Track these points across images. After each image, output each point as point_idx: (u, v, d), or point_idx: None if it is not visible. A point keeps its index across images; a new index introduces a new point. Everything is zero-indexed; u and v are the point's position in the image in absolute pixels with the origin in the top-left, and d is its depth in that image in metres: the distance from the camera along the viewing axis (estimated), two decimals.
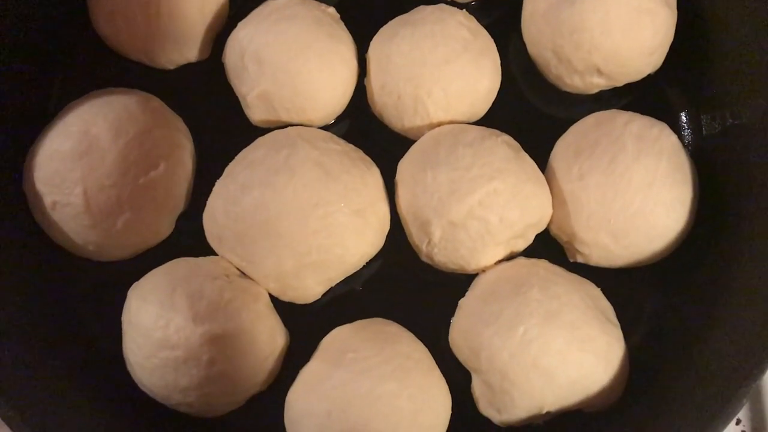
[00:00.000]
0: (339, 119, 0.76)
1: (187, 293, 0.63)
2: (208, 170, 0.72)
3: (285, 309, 0.69)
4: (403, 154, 0.72)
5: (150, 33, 0.74)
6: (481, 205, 0.65)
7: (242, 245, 0.66)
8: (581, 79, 0.73)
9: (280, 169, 0.65)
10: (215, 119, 0.77)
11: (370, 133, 0.76)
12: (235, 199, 0.66)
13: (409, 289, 0.73)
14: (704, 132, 0.76)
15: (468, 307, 0.67)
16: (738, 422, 0.74)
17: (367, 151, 0.73)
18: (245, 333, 0.63)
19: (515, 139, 0.71)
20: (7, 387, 0.59)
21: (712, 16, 0.73)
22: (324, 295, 0.70)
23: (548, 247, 0.72)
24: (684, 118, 0.77)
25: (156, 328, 0.62)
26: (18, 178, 0.70)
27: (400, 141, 0.74)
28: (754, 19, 0.68)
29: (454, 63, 0.70)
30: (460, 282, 0.70)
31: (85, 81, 0.76)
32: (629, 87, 0.75)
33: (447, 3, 0.78)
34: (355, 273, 0.71)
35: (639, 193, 0.66)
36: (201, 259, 0.68)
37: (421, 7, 0.75)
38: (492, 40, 0.75)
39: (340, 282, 0.70)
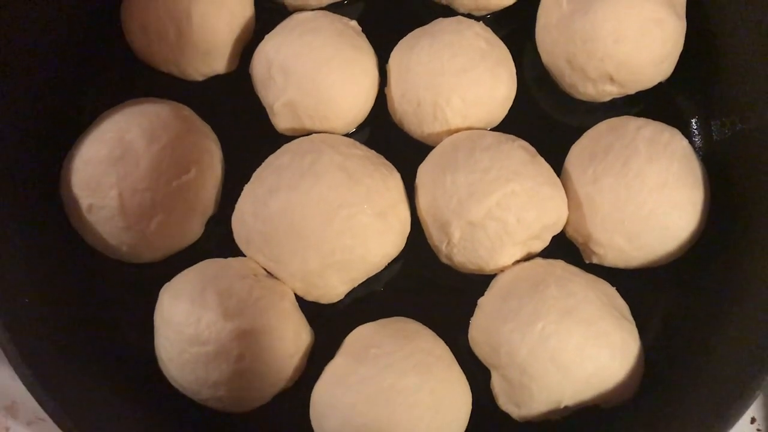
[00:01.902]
0: (361, 127, 0.79)
1: (217, 291, 0.66)
2: (237, 176, 0.74)
3: (310, 311, 0.72)
4: (422, 160, 0.74)
5: (180, 46, 0.77)
6: (499, 206, 0.67)
7: (269, 246, 0.69)
8: (594, 87, 0.75)
9: (305, 173, 0.68)
10: (242, 128, 0.80)
11: (390, 140, 0.78)
12: (263, 202, 0.69)
13: (429, 290, 0.75)
14: (714, 137, 0.78)
15: (487, 305, 0.69)
16: (753, 421, 0.76)
17: (388, 158, 0.75)
18: (273, 330, 0.66)
19: (530, 145, 0.74)
20: (48, 382, 0.61)
21: (719, 25, 0.75)
22: (347, 296, 0.73)
23: (564, 249, 0.74)
24: (695, 125, 0.79)
25: (188, 324, 0.65)
26: (54, 184, 0.74)
27: (420, 147, 0.76)
28: (759, 28, 0.70)
29: (472, 72, 0.73)
30: (478, 284, 0.72)
31: (118, 92, 0.79)
32: (641, 95, 0.77)
33: (464, 15, 0.81)
34: (377, 274, 0.73)
35: (652, 195, 0.68)
36: (230, 260, 0.70)
37: (440, 20, 0.77)
38: (507, 50, 0.77)
39: (363, 283, 0.73)
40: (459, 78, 0.72)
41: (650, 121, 0.73)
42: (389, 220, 0.70)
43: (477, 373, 0.69)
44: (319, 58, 0.73)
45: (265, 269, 0.70)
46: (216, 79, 0.81)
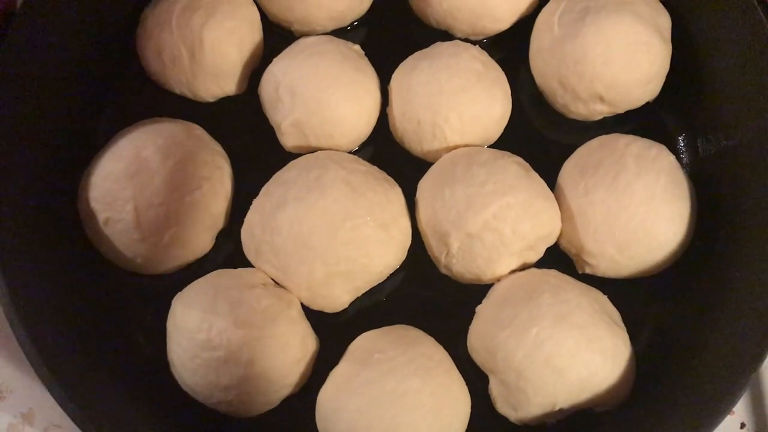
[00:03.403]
0: (364, 145, 0.83)
1: (228, 300, 0.69)
2: (246, 192, 0.78)
3: (316, 320, 0.74)
4: (422, 176, 0.78)
5: (193, 70, 0.81)
6: (496, 218, 0.71)
7: (277, 256, 0.72)
8: (585, 106, 0.79)
9: (311, 187, 0.72)
10: (251, 146, 0.83)
11: (392, 157, 0.82)
12: (270, 215, 0.72)
13: (429, 300, 0.78)
14: (700, 154, 0.81)
15: (484, 312, 0.72)
16: (742, 426, 0.78)
17: (390, 173, 0.78)
18: (280, 337, 0.69)
19: (525, 161, 0.77)
20: (70, 387, 0.64)
21: (703, 48, 0.79)
22: (351, 306, 0.75)
23: (558, 260, 0.77)
24: (681, 142, 0.83)
25: (199, 331, 0.68)
26: (72, 199, 0.77)
27: (420, 164, 0.80)
28: (740, 51, 0.74)
29: (469, 92, 0.77)
30: (476, 293, 0.75)
31: (133, 112, 0.82)
32: (630, 114, 0.81)
33: (461, 40, 0.85)
34: (380, 285, 0.76)
35: (640, 207, 0.71)
36: (240, 270, 0.74)
37: (438, 43, 0.82)
38: (502, 72, 0.81)
39: (366, 294, 0.76)
40: (457, 98, 0.76)
41: (638, 138, 0.77)
42: (391, 232, 0.73)
43: (476, 379, 0.72)
44: (324, 79, 0.77)
45: (273, 279, 0.74)
46: (226, 100, 0.85)
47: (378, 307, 0.78)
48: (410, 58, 0.82)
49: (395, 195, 0.76)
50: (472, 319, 0.74)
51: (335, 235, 0.70)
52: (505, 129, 0.82)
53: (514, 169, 0.73)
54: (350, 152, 0.81)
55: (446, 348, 0.72)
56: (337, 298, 0.73)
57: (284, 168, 0.76)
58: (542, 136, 0.85)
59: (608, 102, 0.78)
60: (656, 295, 0.77)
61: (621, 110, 0.80)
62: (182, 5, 0.81)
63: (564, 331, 0.66)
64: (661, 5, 0.80)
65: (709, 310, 0.72)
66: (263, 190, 0.76)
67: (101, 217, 0.74)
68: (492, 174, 0.72)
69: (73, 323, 0.71)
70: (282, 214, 0.71)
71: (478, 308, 0.73)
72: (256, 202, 0.75)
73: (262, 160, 0.81)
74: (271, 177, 0.77)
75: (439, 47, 0.81)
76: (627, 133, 0.80)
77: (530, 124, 0.85)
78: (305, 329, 0.72)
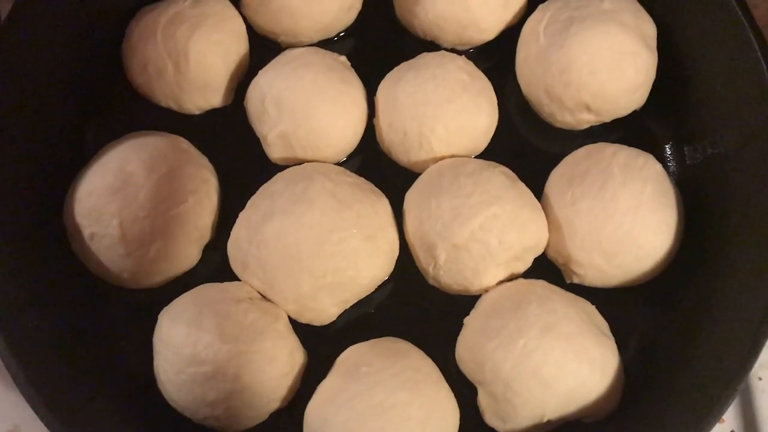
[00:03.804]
0: (351, 156, 0.83)
1: (214, 314, 0.68)
2: (232, 204, 0.77)
3: (304, 333, 0.74)
4: (410, 187, 0.78)
5: (178, 82, 0.81)
6: (482, 229, 0.71)
7: (264, 269, 0.72)
8: (572, 115, 0.79)
9: (298, 200, 0.72)
10: (237, 158, 0.83)
11: (379, 168, 0.82)
12: (257, 228, 0.72)
13: (418, 312, 0.78)
14: (687, 162, 0.82)
15: (472, 324, 0.72)
16: None
17: (377, 184, 0.78)
18: (267, 350, 0.68)
19: (513, 171, 0.77)
20: (55, 403, 0.63)
21: (689, 57, 0.80)
22: (339, 318, 0.75)
23: (546, 271, 0.77)
24: (668, 150, 0.83)
25: (185, 346, 0.67)
26: (58, 214, 0.77)
27: (407, 175, 0.80)
28: (725, 59, 0.74)
29: (455, 102, 0.77)
30: (464, 304, 0.74)
31: (119, 125, 0.82)
32: (617, 123, 0.81)
33: (448, 50, 0.85)
34: (368, 297, 0.76)
35: (627, 216, 0.71)
36: (226, 284, 0.73)
37: (424, 54, 0.82)
38: (489, 82, 0.81)
39: (354, 306, 0.76)
40: (443, 108, 0.76)
41: (625, 147, 0.77)
42: (378, 244, 0.73)
43: (464, 391, 0.72)
44: (310, 91, 0.77)
45: (260, 293, 0.73)
46: (212, 112, 0.85)
47: (366, 319, 0.78)
48: (396, 69, 0.82)
49: (382, 206, 0.75)
50: (460, 329, 0.73)
51: (322, 247, 0.70)
52: (492, 138, 0.82)
53: (500, 179, 0.73)
54: (337, 163, 0.81)
55: (435, 359, 0.72)
56: (325, 310, 0.73)
57: (271, 180, 0.76)
58: (529, 145, 0.85)
59: (594, 111, 0.78)
60: (644, 304, 0.77)
61: (607, 119, 0.80)
62: (167, 18, 0.81)
63: (551, 341, 0.66)
64: (646, 14, 0.80)
65: (698, 319, 0.72)
66: (249, 202, 0.75)
67: (86, 232, 0.74)
68: (478, 185, 0.72)
69: (58, 338, 0.71)
70: (268, 227, 0.71)
71: (466, 319, 0.73)
72: (242, 215, 0.75)
73: (249, 172, 0.81)
74: (257, 189, 0.77)
75: (425, 58, 0.81)
76: (614, 141, 0.80)
77: (517, 133, 0.85)
78: (292, 343, 0.72)
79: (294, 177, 0.75)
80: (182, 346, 0.68)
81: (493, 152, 0.82)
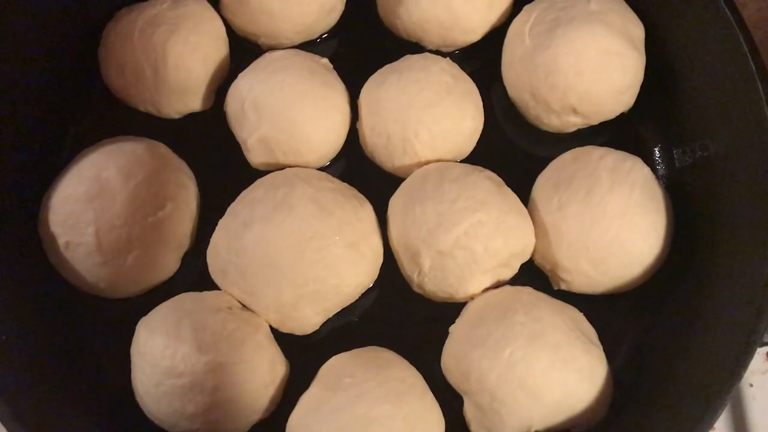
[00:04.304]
0: (334, 161, 0.81)
1: (192, 325, 0.67)
2: (211, 211, 0.76)
3: (285, 343, 0.72)
4: (394, 192, 0.76)
5: (157, 86, 0.79)
6: (467, 235, 0.69)
7: (244, 278, 0.70)
8: (558, 118, 0.78)
9: (278, 206, 0.70)
10: (217, 164, 0.81)
11: (363, 172, 0.80)
12: (236, 235, 0.70)
13: (403, 320, 0.76)
14: (677, 165, 0.80)
15: (458, 332, 0.70)
16: None
17: (361, 190, 0.77)
18: (247, 361, 0.67)
19: (499, 175, 0.76)
20: (26, 419, 0.61)
21: (677, 58, 0.78)
22: (322, 327, 0.74)
23: (534, 276, 0.76)
24: (657, 153, 0.82)
25: (163, 357, 0.66)
26: (33, 222, 0.75)
27: (391, 180, 0.78)
28: (713, 61, 0.73)
29: (439, 106, 0.75)
30: (451, 312, 0.73)
31: (96, 130, 0.81)
32: (605, 125, 0.79)
33: (432, 52, 0.83)
34: (351, 305, 0.74)
35: (614, 221, 0.70)
36: (205, 293, 0.72)
37: (408, 56, 0.80)
38: (474, 84, 0.80)
39: (338, 314, 0.74)
40: (426, 112, 0.75)
41: (612, 150, 0.75)
42: (361, 251, 0.71)
43: (451, 400, 0.70)
44: (290, 95, 0.75)
45: (240, 302, 0.72)
46: (192, 116, 0.83)
47: (350, 327, 0.76)
48: (379, 71, 0.80)
49: (365, 212, 0.74)
50: (446, 339, 0.72)
51: (303, 255, 0.69)
52: (478, 141, 0.80)
53: (486, 184, 0.72)
54: (320, 168, 0.80)
55: (420, 369, 0.70)
56: (307, 320, 0.71)
57: (251, 186, 0.74)
58: (516, 148, 0.84)
59: (581, 114, 0.77)
60: (633, 310, 0.76)
61: (595, 122, 0.79)
62: (145, 21, 0.79)
63: (538, 350, 0.65)
64: (634, 15, 0.78)
65: (688, 325, 0.71)
66: (229, 209, 0.74)
67: (62, 240, 0.72)
68: (463, 190, 0.71)
69: (31, 351, 0.69)
70: (248, 235, 0.70)
71: (452, 328, 0.71)
72: (221, 222, 0.73)
73: (230, 177, 0.79)
74: (238, 194, 0.75)
75: (409, 60, 0.79)
76: (602, 144, 0.79)
77: (504, 136, 0.84)
78: (273, 353, 0.70)
79: (274, 183, 0.73)
80: (160, 357, 0.66)
81: (479, 156, 0.80)
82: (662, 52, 0.79)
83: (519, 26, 0.79)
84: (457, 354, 0.69)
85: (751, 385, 0.77)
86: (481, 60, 0.85)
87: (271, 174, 0.75)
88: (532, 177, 0.78)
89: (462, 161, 0.79)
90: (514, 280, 0.74)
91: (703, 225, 0.74)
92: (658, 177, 0.77)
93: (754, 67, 0.69)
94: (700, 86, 0.76)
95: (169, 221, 0.73)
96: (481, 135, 0.80)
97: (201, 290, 0.73)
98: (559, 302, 0.71)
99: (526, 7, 0.81)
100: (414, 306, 0.76)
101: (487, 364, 0.65)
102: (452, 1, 0.79)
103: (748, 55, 0.70)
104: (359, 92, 0.80)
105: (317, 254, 0.69)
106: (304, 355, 0.73)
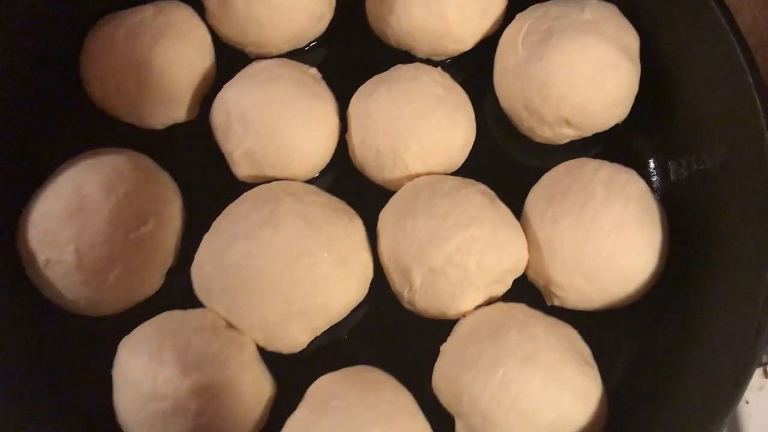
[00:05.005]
0: (323, 172, 0.79)
1: (174, 346, 0.65)
2: (197, 225, 0.74)
3: (272, 359, 0.71)
4: (385, 205, 0.75)
5: (140, 96, 0.77)
6: (459, 252, 0.67)
7: (229, 296, 0.68)
8: (551, 130, 0.76)
9: (265, 222, 0.68)
10: (203, 176, 0.79)
11: (352, 185, 0.78)
12: (221, 252, 0.68)
13: (393, 336, 0.74)
14: (672, 177, 0.79)
15: (449, 351, 0.68)
16: None
17: (350, 202, 0.75)
18: (232, 383, 0.65)
19: (492, 188, 0.74)
20: None
21: (674, 69, 0.76)
22: (310, 344, 0.72)
23: (527, 291, 0.74)
24: (652, 165, 0.80)
25: (145, 380, 0.64)
26: (12, 238, 0.73)
27: (382, 192, 0.77)
28: (709, 72, 0.71)
29: (430, 117, 0.73)
30: (442, 328, 0.71)
31: (78, 142, 0.78)
32: (599, 136, 0.78)
33: (423, 61, 0.82)
34: (340, 321, 0.72)
35: (609, 236, 0.68)
36: (189, 312, 0.69)
37: (398, 66, 0.78)
38: (466, 95, 0.78)
39: (327, 331, 0.72)
40: (417, 124, 0.73)
41: (607, 163, 0.74)
42: (350, 268, 0.70)
43: (443, 421, 0.68)
44: (277, 106, 0.73)
45: (225, 320, 0.70)
46: (176, 127, 0.81)
47: (339, 344, 0.74)
48: (369, 82, 0.78)
49: (355, 227, 0.72)
50: (438, 355, 0.70)
51: (290, 273, 0.67)
52: (470, 154, 0.79)
53: (478, 199, 0.70)
54: (308, 180, 0.78)
55: (411, 388, 0.69)
56: (294, 339, 0.70)
57: (236, 201, 0.73)
58: (509, 158, 0.82)
59: (575, 126, 0.75)
60: (628, 326, 0.74)
61: (588, 134, 0.77)
62: (128, 29, 0.77)
63: (531, 371, 0.63)
64: (629, 24, 0.77)
65: (684, 343, 0.69)
66: (214, 224, 0.72)
67: (41, 258, 0.70)
68: (455, 205, 0.69)
69: (12, 370, 0.68)
70: (233, 252, 0.68)
71: (443, 346, 0.69)
72: (206, 238, 0.71)
73: (215, 190, 0.77)
74: (224, 208, 0.73)
75: (399, 70, 0.77)
76: (596, 155, 0.78)
77: (496, 146, 0.82)
78: (259, 374, 0.68)
79: (261, 197, 0.71)
80: (142, 380, 0.64)
81: (470, 167, 0.79)
82: (657, 62, 0.78)
83: (511, 36, 0.77)
84: (449, 374, 0.67)
85: (747, 402, 0.76)
86: (473, 68, 0.83)
87: (258, 188, 0.73)
88: (525, 188, 0.76)
89: (454, 173, 0.77)
90: (507, 295, 0.73)
91: (699, 239, 0.72)
92: (653, 189, 0.75)
93: (751, 78, 0.68)
94: (696, 97, 0.75)
95: (152, 237, 0.71)
96: (473, 145, 0.79)
97: (185, 306, 0.71)
98: (553, 320, 0.69)
99: (519, 16, 0.79)
100: (404, 322, 0.74)
101: (479, 386, 0.64)
102: (444, 10, 0.77)
103: (746, 66, 0.68)
104: (348, 102, 0.79)
105: (305, 272, 0.67)
106: (292, 373, 0.71)
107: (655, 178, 0.80)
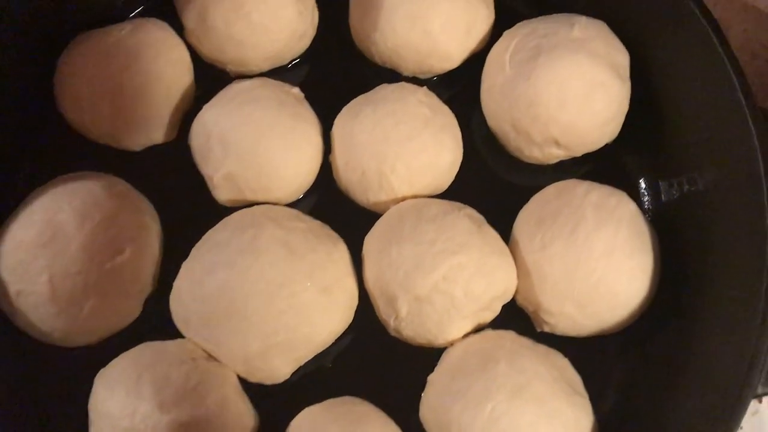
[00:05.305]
0: (306, 194, 0.77)
1: (153, 380, 0.63)
2: (176, 250, 0.72)
3: (254, 388, 0.69)
4: (371, 226, 0.72)
5: (115, 117, 0.74)
6: (446, 280, 0.65)
7: (209, 328, 0.66)
8: (540, 150, 0.74)
9: (245, 250, 0.66)
10: (182, 199, 0.77)
11: (337, 206, 0.76)
12: (200, 282, 0.66)
13: (379, 364, 0.72)
14: (663, 198, 0.77)
15: (437, 382, 0.66)
16: None
17: (334, 225, 0.73)
18: (213, 418, 0.63)
19: (479, 207, 0.73)
20: None
21: (663, 87, 0.75)
22: (293, 372, 0.70)
23: (516, 316, 0.72)
24: (643, 184, 0.78)
25: (122, 417, 0.61)
26: None
27: (368, 214, 0.75)
28: (701, 91, 0.70)
29: (416, 139, 0.71)
30: (430, 355, 0.69)
31: (52, 165, 0.76)
32: (589, 155, 0.76)
33: (408, 78, 0.80)
34: (324, 349, 0.70)
35: (600, 262, 0.67)
36: (167, 343, 0.67)
37: (383, 86, 0.76)
38: (452, 115, 0.76)
39: (311, 359, 0.70)
40: (403, 146, 0.71)
41: (597, 185, 0.72)
42: (334, 296, 0.68)
43: None
44: (258, 129, 0.71)
45: (206, 351, 0.67)
46: (154, 148, 0.78)
47: (323, 373, 0.72)
48: (353, 102, 0.76)
49: (339, 253, 0.70)
50: (425, 383, 0.68)
51: (271, 303, 0.64)
52: (458, 173, 0.77)
53: (465, 224, 0.68)
54: (291, 203, 0.75)
55: (398, 418, 0.67)
56: (277, 370, 0.67)
57: (216, 227, 0.70)
58: (497, 178, 0.80)
59: (564, 146, 0.73)
60: (620, 352, 0.73)
61: (578, 154, 0.75)
62: (103, 48, 0.75)
63: (521, 404, 0.62)
64: (618, 42, 0.75)
65: (677, 370, 0.68)
66: (193, 251, 0.69)
67: (13, 289, 0.67)
68: (442, 231, 0.67)
69: None
70: (212, 282, 0.65)
71: (431, 377, 0.67)
72: (185, 266, 0.69)
73: (195, 213, 0.75)
74: (204, 231, 0.71)
75: (384, 90, 0.75)
76: (586, 173, 0.76)
77: (484, 165, 0.80)
78: (241, 407, 0.66)
79: (242, 224, 0.69)
80: (119, 417, 0.62)
81: (458, 188, 0.77)
82: (648, 80, 0.76)
83: (499, 53, 0.75)
84: (437, 406, 0.65)
85: (741, 428, 0.74)
86: (460, 86, 0.81)
87: (239, 213, 0.71)
88: (513, 208, 0.74)
89: (441, 193, 0.75)
90: (496, 319, 0.71)
91: (691, 262, 0.71)
92: (643, 210, 0.74)
93: (743, 98, 0.66)
94: (687, 116, 0.73)
95: (128, 266, 0.69)
96: (460, 164, 0.77)
97: (164, 332, 0.69)
98: (543, 348, 0.67)
99: (506, 33, 0.77)
100: (390, 349, 0.72)
101: (468, 419, 0.62)
102: (429, 27, 0.75)
103: (737, 85, 0.67)
104: (332, 120, 0.77)
105: (287, 302, 0.65)
106: (274, 403, 0.69)
107: (645, 198, 0.78)
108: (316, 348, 0.68)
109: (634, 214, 0.70)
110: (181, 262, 0.70)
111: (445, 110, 0.76)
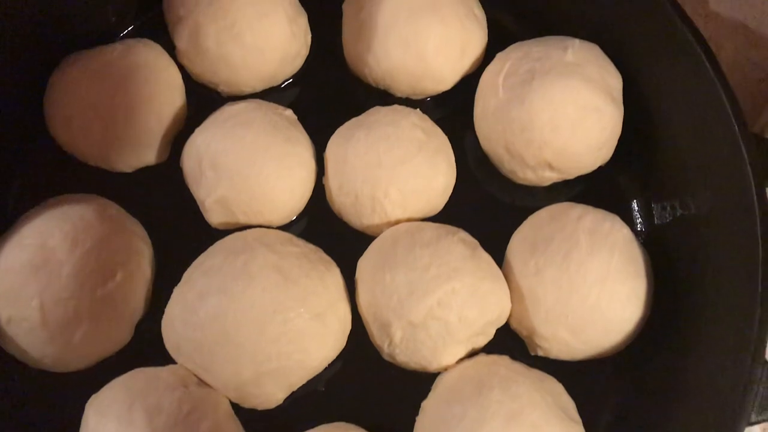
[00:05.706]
0: (300, 216, 0.77)
1: (145, 407, 0.62)
2: (169, 273, 0.71)
3: (246, 412, 0.68)
4: (364, 249, 0.72)
5: (107, 139, 0.74)
6: (440, 306, 0.65)
7: (200, 354, 0.65)
8: (534, 173, 0.74)
9: (237, 276, 0.65)
10: (174, 221, 0.77)
11: (330, 229, 0.76)
12: (192, 308, 0.65)
13: (372, 388, 0.72)
14: (656, 221, 0.77)
15: (431, 409, 0.66)
16: None
17: (328, 247, 0.73)
18: None
19: (473, 229, 0.72)
20: None
21: (656, 110, 0.75)
22: (286, 397, 0.70)
23: (510, 339, 0.72)
24: (636, 207, 0.79)
25: None
26: None
27: (361, 236, 0.74)
28: (694, 117, 0.70)
29: (409, 163, 0.71)
30: (424, 379, 0.69)
31: (42, 187, 0.75)
32: (582, 177, 0.76)
33: (402, 100, 0.80)
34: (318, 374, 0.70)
35: (594, 288, 0.67)
36: (159, 369, 0.67)
37: (376, 108, 0.76)
38: (446, 138, 0.76)
39: (303, 384, 0.70)
40: (396, 170, 0.71)
41: (590, 209, 0.72)
42: (328, 322, 0.67)
43: None
44: (250, 153, 0.71)
45: (198, 377, 0.67)
46: (146, 170, 0.78)
47: (316, 398, 0.71)
48: (346, 125, 0.76)
49: (332, 278, 0.69)
50: (419, 408, 0.68)
51: (264, 330, 0.64)
52: (451, 194, 0.76)
53: (459, 249, 0.68)
54: (284, 225, 0.75)
55: None
56: (270, 396, 0.67)
57: (208, 251, 0.70)
58: (490, 199, 0.80)
59: (557, 169, 0.73)
60: (614, 375, 0.72)
61: (571, 177, 0.75)
62: (94, 69, 0.74)
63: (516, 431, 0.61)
64: (611, 65, 0.75)
65: (671, 396, 0.68)
66: (185, 276, 0.69)
67: (3, 315, 0.66)
68: (435, 256, 0.67)
69: None
70: (204, 308, 0.65)
71: (424, 403, 0.67)
72: (176, 291, 0.68)
73: (187, 236, 0.75)
74: (197, 254, 0.71)
75: (378, 113, 0.75)
76: (579, 195, 0.76)
77: (477, 186, 0.80)
78: None
79: (234, 248, 0.68)
80: None
81: (451, 209, 0.77)
82: (640, 103, 0.76)
83: (492, 77, 0.75)
84: None
85: None
86: (453, 107, 0.81)
87: (231, 237, 0.71)
88: (507, 229, 0.74)
89: (434, 216, 0.75)
90: (490, 342, 0.70)
91: (685, 286, 0.71)
92: (636, 233, 0.74)
93: (735, 122, 0.66)
94: (680, 140, 0.73)
95: (120, 291, 0.68)
96: (453, 186, 0.77)
97: (156, 359, 0.68)
98: (537, 374, 0.67)
99: (499, 55, 0.77)
100: (384, 373, 0.71)
101: None
102: (423, 50, 0.75)
103: (730, 110, 0.67)
104: (325, 141, 0.76)
105: (280, 329, 0.64)
106: (267, 428, 0.69)
107: (639, 220, 0.78)
108: (309, 374, 0.68)
109: (627, 239, 0.70)
110: (174, 285, 0.69)
111: (439, 133, 0.75)
